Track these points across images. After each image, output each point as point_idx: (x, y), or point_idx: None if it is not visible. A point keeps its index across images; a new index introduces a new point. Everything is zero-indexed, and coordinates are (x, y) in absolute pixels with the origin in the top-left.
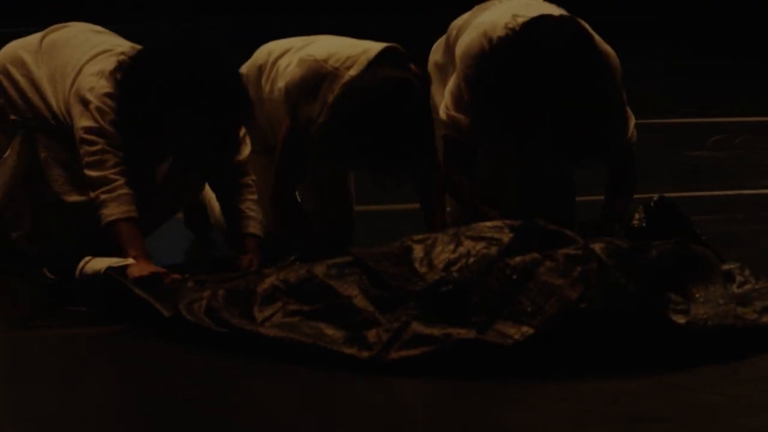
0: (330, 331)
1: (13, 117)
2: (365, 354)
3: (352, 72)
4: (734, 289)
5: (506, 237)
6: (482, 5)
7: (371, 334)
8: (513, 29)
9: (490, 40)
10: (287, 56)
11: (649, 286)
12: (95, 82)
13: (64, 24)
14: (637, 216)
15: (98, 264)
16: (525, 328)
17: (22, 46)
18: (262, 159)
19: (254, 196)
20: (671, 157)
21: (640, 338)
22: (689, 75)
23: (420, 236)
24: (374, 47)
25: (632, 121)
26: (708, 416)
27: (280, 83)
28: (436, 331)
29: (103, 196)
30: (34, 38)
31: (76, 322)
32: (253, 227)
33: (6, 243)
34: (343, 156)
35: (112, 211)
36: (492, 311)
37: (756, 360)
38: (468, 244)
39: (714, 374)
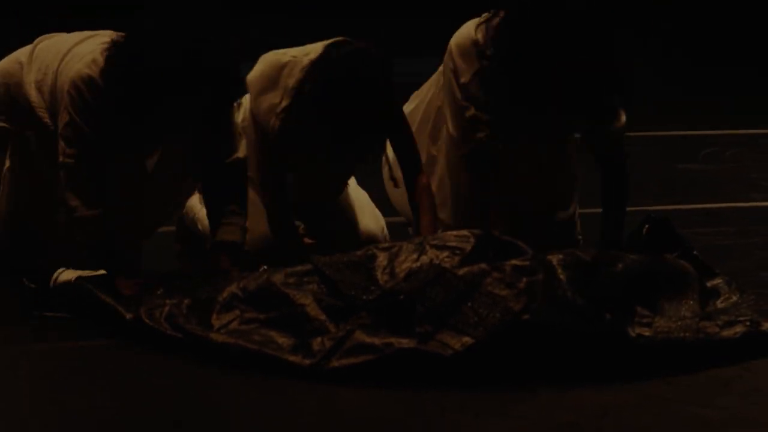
0: (281, 339)
1: (2, 124)
2: (307, 362)
3: (311, 56)
4: (718, 304)
5: (470, 247)
6: None
7: (316, 342)
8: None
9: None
10: None
11: (607, 299)
12: (79, 65)
13: (59, 33)
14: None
15: (70, 274)
16: (465, 339)
17: (16, 57)
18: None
19: (243, 201)
20: (662, 171)
21: (591, 351)
22: (679, 88)
23: (386, 244)
24: (331, 39)
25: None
26: (699, 429)
27: None
28: (377, 340)
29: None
30: (28, 47)
31: (57, 336)
32: (229, 233)
33: None
34: (304, 141)
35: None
36: (437, 321)
37: (745, 373)
38: (432, 253)
39: (703, 387)
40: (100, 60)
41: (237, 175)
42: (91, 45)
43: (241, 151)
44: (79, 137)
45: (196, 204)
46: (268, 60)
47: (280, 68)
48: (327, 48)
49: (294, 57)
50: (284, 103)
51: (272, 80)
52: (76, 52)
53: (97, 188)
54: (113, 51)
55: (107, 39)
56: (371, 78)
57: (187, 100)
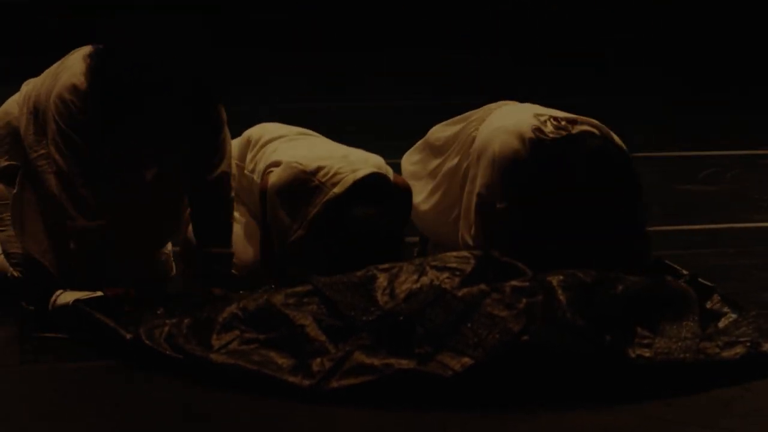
0: (280, 360)
1: (7, 162)
2: (307, 382)
3: (336, 190)
4: (719, 325)
5: (470, 268)
6: (470, 114)
7: (316, 363)
8: (545, 134)
9: (523, 141)
10: (277, 143)
11: (607, 320)
12: (65, 77)
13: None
14: None
15: (68, 297)
16: (465, 359)
17: (14, 98)
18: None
19: (227, 214)
20: (663, 191)
21: (591, 371)
22: (680, 109)
23: (386, 265)
24: (362, 169)
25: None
26: None
27: (261, 166)
28: (377, 361)
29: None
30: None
31: (56, 357)
32: (217, 262)
33: None
34: (315, 268)
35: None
36: (437, 342)
37: (746, 393)
38: (432, 274)
39: (703, 408)
40: (84, 68)
41: (220, 190)
42: (74, 59)
43: (225, 165)
44: (69, 145)
45: None
46: (295, 174)
47: (306, 191)
48: (354, 185)
49: (321, 183)
50: (300, 233)
51: (293, 200)
52: (61, 69)
53: (92, 197)
54: (92, 59)
55: (87, 51)
56: (379, 248)
57: (163, 106)
